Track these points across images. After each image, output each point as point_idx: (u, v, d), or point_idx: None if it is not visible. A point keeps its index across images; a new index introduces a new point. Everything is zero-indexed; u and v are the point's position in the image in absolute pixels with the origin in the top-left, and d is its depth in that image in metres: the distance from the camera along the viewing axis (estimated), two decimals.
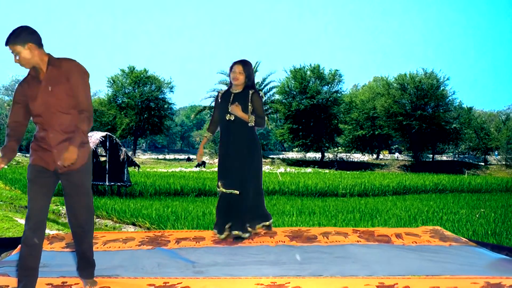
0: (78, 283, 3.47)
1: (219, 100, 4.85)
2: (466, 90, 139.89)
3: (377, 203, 15.86)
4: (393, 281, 3.41)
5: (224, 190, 4.71)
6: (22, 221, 12.44)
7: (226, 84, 50.27)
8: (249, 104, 4.72)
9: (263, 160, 47.12)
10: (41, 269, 3.84)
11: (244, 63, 4.75)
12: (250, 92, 4.76)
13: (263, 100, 4.47)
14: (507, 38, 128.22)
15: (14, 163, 36.94)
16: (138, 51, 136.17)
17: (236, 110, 4.65)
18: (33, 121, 3.37)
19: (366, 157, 54.16)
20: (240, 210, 4.66)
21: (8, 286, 3.36)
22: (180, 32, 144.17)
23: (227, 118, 4.72)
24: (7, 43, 3.21)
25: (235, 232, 4.64)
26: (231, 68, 4.76)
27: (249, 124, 4.68)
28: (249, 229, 4.75)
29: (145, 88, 49.72)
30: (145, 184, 20.00)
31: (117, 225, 13.08)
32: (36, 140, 3.36)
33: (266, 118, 4.93)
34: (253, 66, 4.88)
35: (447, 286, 3.31)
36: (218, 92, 4.92)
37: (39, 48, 3.26)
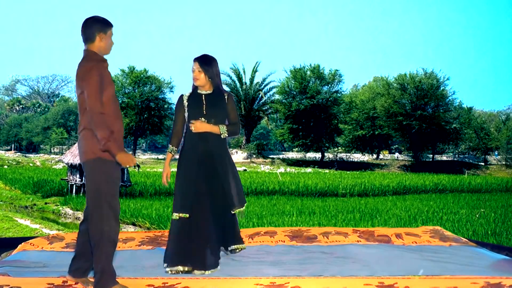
0: (78, 283, 3.47)
1: (186, 104, 4.06)
2: (466, 90, 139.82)
3: (377, 203, 15.87)
4: (393, 281, 3.41)
5: (183, 215, 3.87)
6: (22, 221, 12.44)
7: (226, 84, 50.23)
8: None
9: (263, 160, 47.14)
10: (41, 269, 3.85)
11: (202, 60, 4.04)
12: (226, 95, 4.09)
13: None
14: (507, 38, 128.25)
15: (14, 163, 36.92)
16: (138, 51, 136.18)
17: (201, 127, 3.94)
18: (108, 112, 3.27)
19: (366, 157, 54.12)
20: (210, 239, 3.86)
21: (8, 285, 3.35)
22: (180, 32, 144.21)
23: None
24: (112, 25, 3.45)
25: (199, 272, 3.76)
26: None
27: (221, 136, 3.99)
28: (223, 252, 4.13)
29: (145, 88, 49.68)
30: (145, 184, 20.01)
31: None
32: (112, 137, 3.22)
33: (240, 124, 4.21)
34: (217, 63, 4.10)
35: (447, 286, 3.31)
36: (181, 96, 4.12)
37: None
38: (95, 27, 3.37)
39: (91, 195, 3.31)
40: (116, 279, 3.34)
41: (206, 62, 4.04)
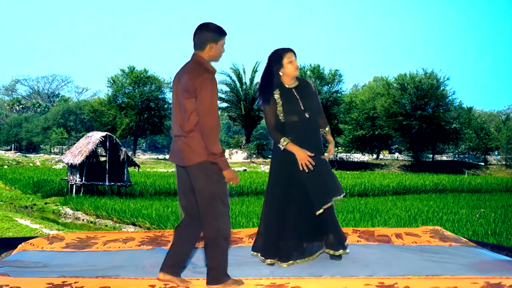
0: (77, 282, 3.47)
1: (277, 98, 3.93)
2: (466, 90, 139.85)
3: (377, 203, 15.87)
4: (393, 281, 3.41)
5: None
6: (22, 221, 12.43)
7: (227, 84, 50.27)
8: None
9: (263, 160, 47.10)
10: (41, 269, 3.85)
11: (294, 52, 4.01)
12: (310, 82, 4.09)
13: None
14: (507, 38, 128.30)
15: (14, 163, 36.90)
16: (138, 51, 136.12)
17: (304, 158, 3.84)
18: None
19: (366, 157, 54.11)
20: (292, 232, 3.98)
21: (8, 285, 3.35)
22: (180, 32, 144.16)
23: (307, 116, 3.93)
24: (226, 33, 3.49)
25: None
26: (283, 57, 3.91)
27: (327, 139, 4.07)
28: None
29: (145, 88, 49.67)
30: (145, 184, 20.01)
31: (117, 225, 13.08)
32: (223, 153, 3.40)
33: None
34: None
35: (447, 286, 3.31)
36: (273, 92, 3.94)
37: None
38: (207, 36, 3.41)
39: (203, 195, 3.37)
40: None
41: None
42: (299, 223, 3.94)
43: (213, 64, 3.44)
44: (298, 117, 3.90)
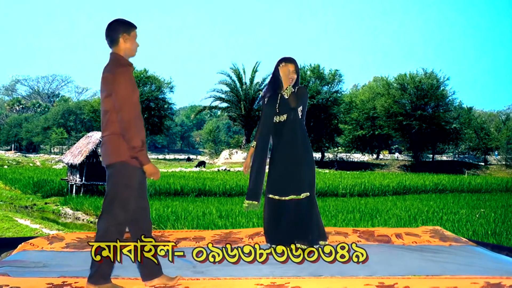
0: (77, 282, 3.47)
1: (266, 104, 4.52)
2: (466, 90, 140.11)
3: (377, 203, 15.86)
4: (393, 281, 3.41)
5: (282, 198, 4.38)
6: (22, 221, 12.43)
7: (226, 84, 50.23)
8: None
9: None
10: (41, 269, 3.85)
11: (296, 62, 4.43)
12: (295, 88, 4.39)
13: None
14: (507, 38, 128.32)
15: (14, 163, 36.90)
16: (138, 51, 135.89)
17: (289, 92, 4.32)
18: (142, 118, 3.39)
19: (366, 157, 54.07)
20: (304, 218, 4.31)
21: (8, 285, 3.35)
22: (180, 32, 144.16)
23: (277, 120, 4.44)
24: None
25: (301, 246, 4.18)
26: (280, 65, 4.40)
27: (286, 94, 4.32)
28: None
29: (145, 88, 49.63)
30: None
31: None
32: (144, 147, 3.33)
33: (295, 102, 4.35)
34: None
35: (447, 286, 3.31)
36: (264, 96, 4.57)
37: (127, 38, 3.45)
38: (118, 29, 3.38)
39: (106, 196, 3.35)
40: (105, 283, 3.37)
41: (298, 66, 4.45)
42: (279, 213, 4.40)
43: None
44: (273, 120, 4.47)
